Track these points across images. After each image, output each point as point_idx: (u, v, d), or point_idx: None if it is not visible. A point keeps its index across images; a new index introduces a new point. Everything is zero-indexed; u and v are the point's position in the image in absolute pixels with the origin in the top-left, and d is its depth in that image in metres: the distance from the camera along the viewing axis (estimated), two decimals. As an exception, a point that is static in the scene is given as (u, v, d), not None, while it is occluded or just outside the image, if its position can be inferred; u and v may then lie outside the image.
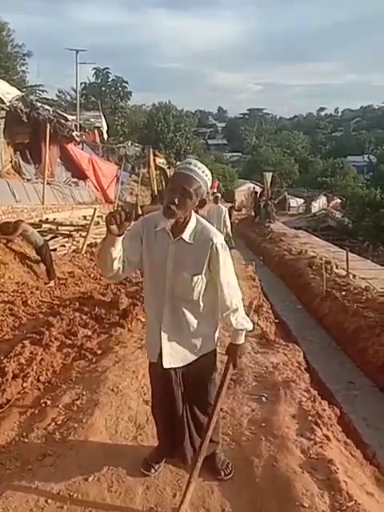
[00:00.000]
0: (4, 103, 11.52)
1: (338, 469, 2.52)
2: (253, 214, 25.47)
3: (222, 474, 2.45)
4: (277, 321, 6.50)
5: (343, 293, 7.88)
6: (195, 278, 2.14)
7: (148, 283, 2.26)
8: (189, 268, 2.14)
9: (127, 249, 2.12)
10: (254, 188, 34.21)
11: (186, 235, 2.12)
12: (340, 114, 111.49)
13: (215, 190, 40.05)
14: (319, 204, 40.14)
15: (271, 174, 25.40)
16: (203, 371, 2.33)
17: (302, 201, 42.08)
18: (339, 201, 39.78)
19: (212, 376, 2.39)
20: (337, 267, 10.04)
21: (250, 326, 2.27)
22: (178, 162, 32.68)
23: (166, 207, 2.05)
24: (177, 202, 2.02)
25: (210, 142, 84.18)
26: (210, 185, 2.12)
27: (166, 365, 2.23)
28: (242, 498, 2.32)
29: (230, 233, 9.76)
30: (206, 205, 2.26)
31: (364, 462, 3.16)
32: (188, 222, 2.13)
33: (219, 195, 12.02)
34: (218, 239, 2.14)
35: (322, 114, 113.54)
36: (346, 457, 2.94)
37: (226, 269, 2.19)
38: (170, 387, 2.30)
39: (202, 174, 2.06)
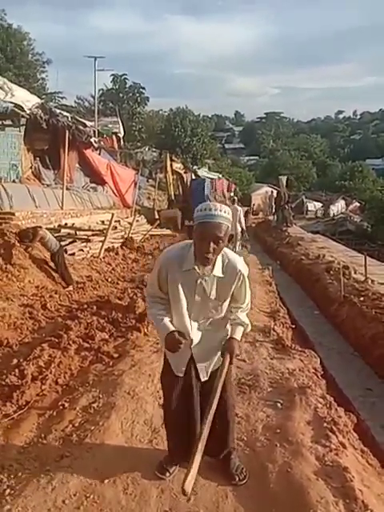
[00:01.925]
0: (24, 111, 11.79)
1: (353, 477, 2.50)
2: (271, 217, 25.35)
3: (237, 478, 2.46)
4: (293, 326, 6.45)
5: (361, 298, 7.77)
6: (223, 303, 2.32)
7: (174, 309, 2.32)
8: (217, 297, 2.28)
9: (160, 295, 2.31)
10: (272, 192, 34.04)
11: (217, 271, 2.22)
12: (359, 117, 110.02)
13: (232, 194, 40.09)
14: (337, 208, 39.65)
15: (286, 177, 25.23)
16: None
17: (320, 205, 41.64)
18: (358, 204, 39.27)
19: (229, 381, 2.47)
20: (355, 272, 9.90)
21: (249, 328, 2.44)
22: (194, 167, 32.80)
23: (202, 257, 2.12)
24: (212, 251, 2.09)
25: (226, 146, 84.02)
26: (231, 219, 2.15)
27: (203, 378, 2.38)
28: (256, 504, 2.32)
29: (244, 229, 12.42)
30: (232, 238, 2.36)
31: (382, 470, 3.10)
32: (216, 259, 2.21)
33: (236, 198, 13.63)
34: (243, 267, 2.29)
35: (341, 116, 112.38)
36: (363, 465, 2.90)
37: (246, 287, 2.35)
38: (192, 398, 2.37)
39: (226, 215, 2.09)
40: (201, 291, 2.24)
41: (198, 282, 2.22)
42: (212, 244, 2.06)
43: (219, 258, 2.21)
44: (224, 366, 2.25)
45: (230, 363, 2.30)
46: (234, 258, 2.27)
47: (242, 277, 2.26)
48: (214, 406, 2.08)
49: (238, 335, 2.35)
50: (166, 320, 2.26)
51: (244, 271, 2.27)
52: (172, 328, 2.24)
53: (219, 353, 2.35)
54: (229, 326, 2.40)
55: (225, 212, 2.08)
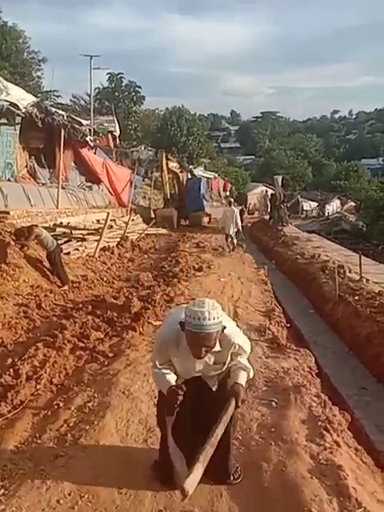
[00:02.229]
0: (20, 109, 11.72)
1: (347, 475, 2.52)
2: (266, 217, 25.40)
3: (231, 478, 2.47)
4: (288, 325, 6.46)
5: (356, 297, 7.81)
6: (223, 368, 2.38)
7: (180, 372, 2.38)
8: (216, 366, 2.35)
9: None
10: (266, 191, 34.12)
11: (215, 347, 2.23)
12: (354, 117, 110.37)
13: (228, 193, 40.14)
14: (333, 207, 39.82)
15: (281, 176, 25.26)
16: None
17: (316, 204, 41.80)
18: (353, 204, 39.46)
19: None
20: (350, 271, 9.94)
21: (252, 373, 2.46)
22: (190, 166, 32.79)
23: (196, 356, 2.18)
24: (205, 352, 2.16)
25: (222, 145, 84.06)
26: (221, 322, 2.16)
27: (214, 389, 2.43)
28: (251, 503, 2.33)
29: (240, 229, 13.03)
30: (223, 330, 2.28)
31: (375, 469, 3.13)
32: None
33: (232, 200, 14.16)
34: (239, 339, 2.35)
35: (336, 116, 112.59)
36: (357, 463, 2.92)
37: (244, 345, 2.41)
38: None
39: (217, 321, 2.10)
40: (200, 364, 2.32)
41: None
42: (203, 348, 2.13)
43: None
44: (228, 408, 2.25)
45: (237, 407, 2.32)
46: (230, 333, 2.28)
47: (238, 346, 2.33)
48: (219, 432, 2.10)
49: (242, 380, 2.35)
50: (169, 377, 2.30)
51: (241, 343, 2.35)
52: (172, 382, 2.27)
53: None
54: (232, 372, 2.40)
55: (216, 318, 2.09)
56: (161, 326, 2.51)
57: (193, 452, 2.37)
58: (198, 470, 1.91)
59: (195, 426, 2.36)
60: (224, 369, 2.40)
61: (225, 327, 2.19)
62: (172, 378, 2.29)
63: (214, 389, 2.41)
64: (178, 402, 2.18)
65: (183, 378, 2.37)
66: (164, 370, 2.32)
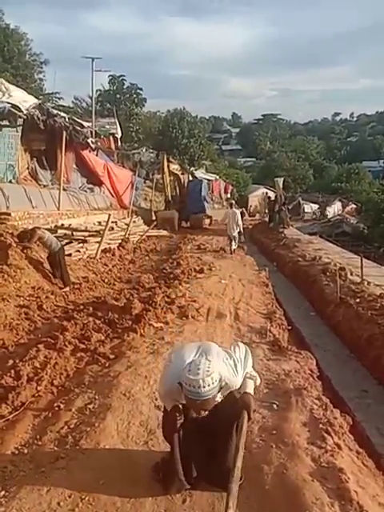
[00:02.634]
0: (21, 111, 11.75)
1: (348, 478, 2.51)
2: (267, 219, 25.40)
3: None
4: (290, 327, 6.46)
5: (357, 300, 7.79)
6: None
7: None
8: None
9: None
10: (267, 193, 34.13)
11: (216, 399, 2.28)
12: (355, 119, 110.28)
13: (229, 195, 40.14)
14: (334, 209, 39.71)
15: (282, 179, 25.24)
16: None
17: (317, 206, 41.71)
18: (354, 206, 39.36)
19: None
20: (351, 274, 9.92)
21: (258, 381, 2.56)
22: (191, 168, 32.79)
23: (197, 413, 2.25)
24: (203, 411, 2.23)
25: (224, 147, 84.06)
26: (217, 387, 2.20)
27: None
28: (252, 505, 2.32)
29: (241, 230, 13.50)
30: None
31: (377, 472, 3.11)
32: None
33: (233, 202, 14.59)
34: (235, 379, 2.38)
35: (337, 118, 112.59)
36: (358, 466, 2.91)
37: (242, 369, 2.45)
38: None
39: (213, 386, 2.16)
40: None
41: None
42: (202, 410, 2.22)
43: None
44: (243, 423, 2.29)
45: (249, 419, 2.37)
46: (229, 381, 2.32)
47: (237, 383, 2.39)
48: (239, 464, 2.12)
49: (250, 389, 2.43)
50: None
51: (237, 379, 2.39)
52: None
53: None
54: None
55: (210, 384, 2.14)
56: (163, 374, 2.54)
57: (198, 461, 2.41)
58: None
59: (201, 435, 2.38)
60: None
61: (220, 388, 2.25)
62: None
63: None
64: (178, 422, 2.29)
65: None
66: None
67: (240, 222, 13.07)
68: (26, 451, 2.84)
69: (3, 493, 2.40)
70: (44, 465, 2.63)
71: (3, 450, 2.87)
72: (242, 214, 18.70)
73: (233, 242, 12.92)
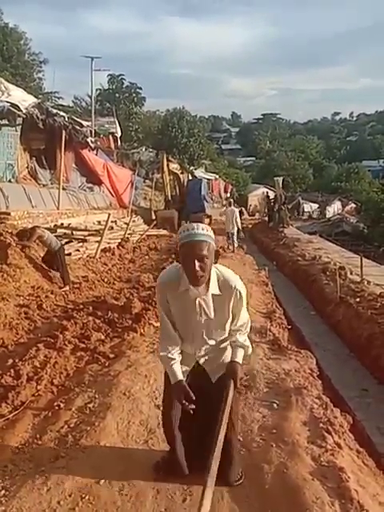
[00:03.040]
0: (21, 110, 11.74)
1: (349, 477, 2.50)
2: (266, 218, 25.41)
3: (232, 479, 2.45)
4: (289, 327, 6.46)
5: (357, 299, 7.80)
6: (227, 322, 2.32)
7: (181, 333, 2.35)
8: (219, 315, 2.28)
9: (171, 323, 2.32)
10: (267, 193, 34.15)
11: (213, 289, 2.22)
12: (355, 119, 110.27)
13: (228, 195, 40.15)
14: (334, 209, 39.73)
15: (282, 178, 25.27)
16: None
17: (317, 206, 41.73)
18: (354, 206, 39.38)
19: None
20: (351, 273, 9.93)
21: (250, 350, 2.43)
22: (191, 167, 32.79)
23: (193, 277, 2.13)
24: (201, 269, 2.10)
25: (223, 146, 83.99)
26: (213, 237, 2.17)
27: (213, 380, 2.39)
28: (252, 504, 2.32)
29: (240, 227, 13.95)
30: (219, 255, 2.40)
31: (377, 471, 3.11)
32: (210, 277, 2.21)
33: (232, 200, 15.04)
34: (239, 284, 2.28)
35: (337, 118, 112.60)
36: (359, 465, 2.91)
37: (243, 304, 2.33)
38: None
39: (207, 232, 2.12)
40: (201, 311, 2.26)
41: (197, 301, 2.23)
42: (197, 263, 2.07)
43: (214, 276, 2.22)
44: (228, 392, 2.23)
45: (235, 387, 2.28)
46: (229, 275, 2.28)
47: (238, 293, 2.26)
48: (221, 437, 2.05)
49: (239, 358, 2.33)
50: (176, 366, 2.28)
51: (240, 288, 2.28)
52: (180, 377, 2.26)
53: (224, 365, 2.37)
54: (229, 350, 2.39)
55: (206, 230, 2.12)
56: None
57: (189, 441, 2.39)
58: (206, 500, 1.81)
59: (194, 415, 2.33)
60: (226, 335, 2.36)
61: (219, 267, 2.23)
62: (178, 368, 2.27)
63: (213, 381, 2.39)
64: (182, 401, 2.19)
65: (187, 347, 2.33)
66: (169, 355, 2.27)
67: (238, 220, 13.44)
68: (26, 450, 2.84)
69: (3, 492, 2.40)
70: (44, 464, 2.63)
71: (3, 448, 2.86)
72: (241, 213, 19.03)
73: (233, 240, 13.16)
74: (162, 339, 2.37)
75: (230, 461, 2.42)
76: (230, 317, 2.31)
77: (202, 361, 2.38)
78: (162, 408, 2.58)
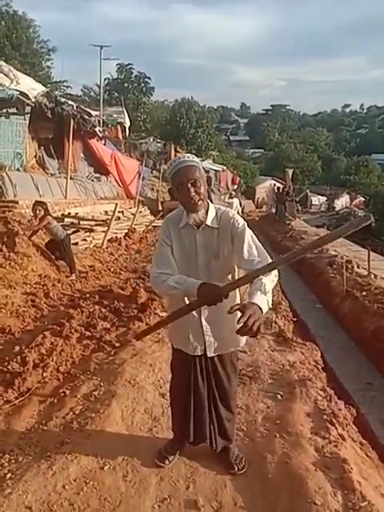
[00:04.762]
0: (29, 99, 11.71)
1: (351, 468, 2.51)
2: (273, 210, 25.28)
3: (236, 468, 2.48)
4: (295, 319, 6.45)
5: (364, 293, 7.76)
6: (228, 260, 2.22)
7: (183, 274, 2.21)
8: (220, 252, 2.21)
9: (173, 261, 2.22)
10: (275, 185, 33.92)
11: (209, 221, 2.21)
12: (365, 111, 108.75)
13: (236, 187, 39.96)
14: (342, 202, 39.42)
15: (292, 170, 25.07)
16: (230, 365, 2.41)
17: (325, 198, 41.41)
18: (362, 199, 39.01)
19: (235, 372, 2.47)
20: (358, 266, 9.87)
21: (270, 297, 2.00)
22: (199, 158, 32.47)
23: (188, 204, 2.14)
24: (196, 193, 2.11)
25: (231, 138, 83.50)
26: (201, 167, 2.18)
27: (209, 354, 2.32)
28: (255, 493, 2.34)
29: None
30: (211, 181, 2.39)
31: (380, 463, 3.12)
32: (208, 210, 2.22)
33: (233, 193, 15.80)
34: (237, 216, 2.26)
35: (347, 110, 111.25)
36: (362, 457, 2.92)
37: (251, 237, 2.20)
38: (197, 376, 2.35)
39: (194, 159, 2.17)
40: (202, 246, 2.21)
41: (197, 236, 2.22)
42: (191, 187, 2.09)
43: (211, 211, 2.22)
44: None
45: (256, 334, 1.84)
46: (226, 210, 2.29)
47: (237, 224, 2.19)
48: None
49: (258, 300, 1.89)
50: (179, 277, 2.11)
51: (239, 219, 2.23)
52: (199, 281, 2.04)
53: (232, 333, 2.00)
54: (239, 314, 1.88)
55: (192, 158, 2.17)
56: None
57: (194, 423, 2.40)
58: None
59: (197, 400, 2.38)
60: (230, 277, 2.23)
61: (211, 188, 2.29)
62: (183, 277, 2.11)
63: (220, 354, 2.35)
64: (219, 299, 1.96)
65: (185, 269, 2.21)
66: (174, 278, 2.11)
67: (239, 209, 15.17)
68: (31, 435, 2.88)
69: (9, 475, 2.44)
70: (49, 449, 2.66)
71: (9, 433, 2.91)
72: (241, 204, 20.12)
73: None
74: (156, 264, 2.22)
75: (229, 419, 2.47)
76: (236, 254, 2.16)
77: (206, 326, 2.26)
78: (169, 383, 2.57)
